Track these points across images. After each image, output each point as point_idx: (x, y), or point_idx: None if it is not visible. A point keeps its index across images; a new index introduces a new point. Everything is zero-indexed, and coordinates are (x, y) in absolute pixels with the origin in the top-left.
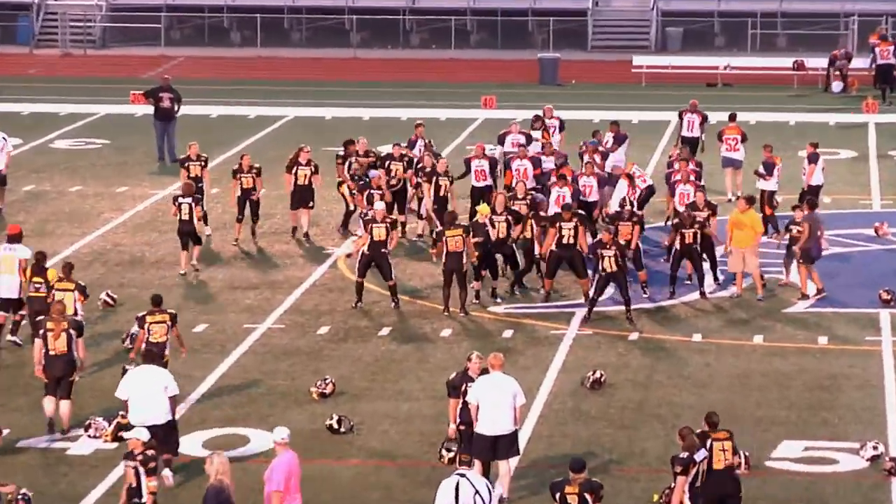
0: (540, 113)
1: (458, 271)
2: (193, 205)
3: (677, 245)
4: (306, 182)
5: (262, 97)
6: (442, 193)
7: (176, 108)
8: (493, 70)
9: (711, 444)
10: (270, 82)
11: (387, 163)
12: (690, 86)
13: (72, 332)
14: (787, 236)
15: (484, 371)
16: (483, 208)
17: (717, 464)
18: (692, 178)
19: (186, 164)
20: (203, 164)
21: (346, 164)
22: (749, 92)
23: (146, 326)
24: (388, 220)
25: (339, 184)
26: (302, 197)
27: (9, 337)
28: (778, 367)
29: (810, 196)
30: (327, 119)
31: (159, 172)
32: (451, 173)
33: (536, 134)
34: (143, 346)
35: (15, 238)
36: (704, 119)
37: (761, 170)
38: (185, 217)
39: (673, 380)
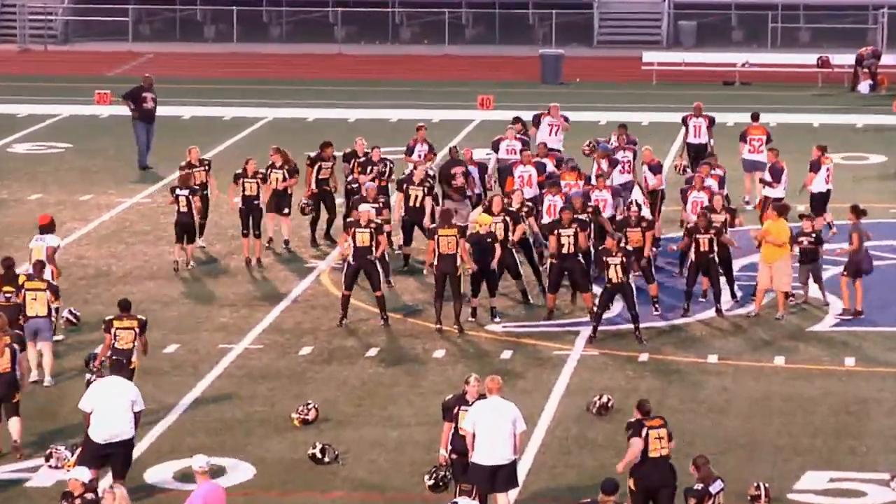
0: (520, 115)
1: (451, 275)
2: (191, 196)
3: (692, 255)
4: (279, 187)
5: (238, 97)
6: (412, 203)
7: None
8: (491, 67)
9: (647, 433)
10: (248, 81)
11: (368, 168)
12: (705, 85)
13: (15, 346)
14: (798, 249)
15: (481, 396)
16: (483, 218)
17: (652, 452)
18: (715, 183)
19: (189, 171)
20: (206, 168)
21: (317, 168)
22: (769, 91)
23: (113, 331)
24: (373, 224)
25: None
26: (277, 203)
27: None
28: (801, 391)
29: (855, 204)
30: (309, 121)
31: (127, 179)
32: (430, 182)
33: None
34: (109, 352)
35: (46, 228)
36: (711, 123)
37: (767, 176)
38: (184, 209)
39: (687, 405)
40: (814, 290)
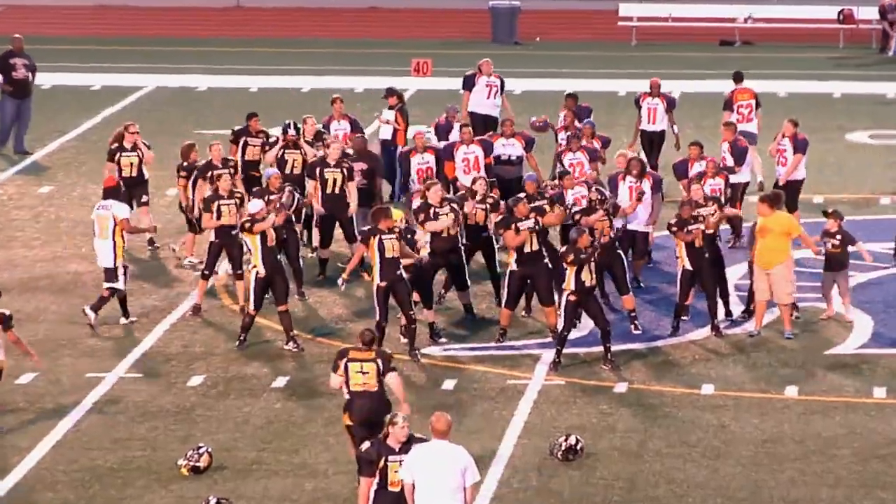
0: (396, 84)
1: (397, 284)
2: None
3: (686, 260)
4: (134, 172)
5: (111, 60)
6: (330, 191)
7: (31, 78)
8: (429, 24)
9: (347, 365)
10: (122, 40)
11: (281, 153)
12: (698, 45)
13: None
14: (823, 252)
15: (410, 439)
16: (397, 213)
17: (353, 386)
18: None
19: (211, 174)
20: (232, 171)
21: (242, 145)
22: (778, 53)
23: None
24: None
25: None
26: (129, 193)
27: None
28: (819, 430)
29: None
30: (201, 90)
31: None
32: (349, 163)
33: (389, 114)
34: None
35: (110, 192)
36: (671, 105)
37: (728, 159)
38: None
39: (676, 448)
40: (838, 306)
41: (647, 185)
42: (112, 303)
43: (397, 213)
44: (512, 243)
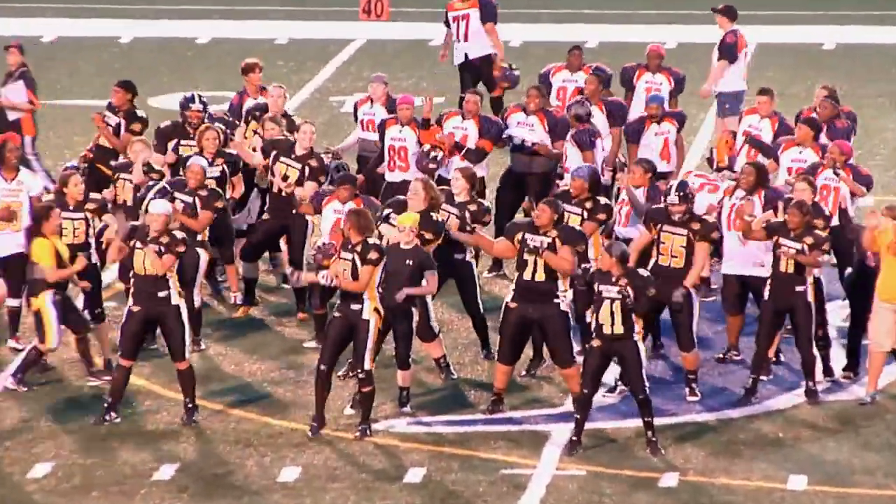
0: (340, 32)
1: (357, 327)
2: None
3: (768, 285)
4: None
5: None
6: (277, 188)
7: None
8: None
9: None
10: None
11: (176, 142)
12: None
13: None
14: None
15: None
16: (406, 218)
17: None
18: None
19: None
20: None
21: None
22: None
23: None
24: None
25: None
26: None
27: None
28: None
29: None
30: (48, 41)
31: None
32: (321, 159)
33: (15, 89)
34: None
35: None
36: (679, 85)
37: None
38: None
39: None
40: None
41: (756, 209)
42: None
43: (408, 219)
44: (492, 250)
